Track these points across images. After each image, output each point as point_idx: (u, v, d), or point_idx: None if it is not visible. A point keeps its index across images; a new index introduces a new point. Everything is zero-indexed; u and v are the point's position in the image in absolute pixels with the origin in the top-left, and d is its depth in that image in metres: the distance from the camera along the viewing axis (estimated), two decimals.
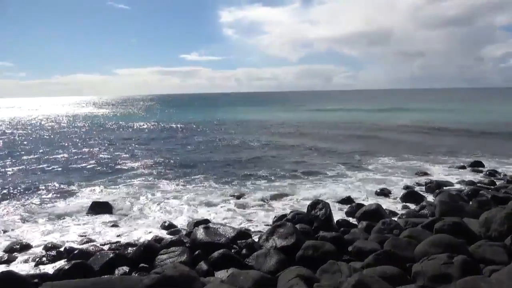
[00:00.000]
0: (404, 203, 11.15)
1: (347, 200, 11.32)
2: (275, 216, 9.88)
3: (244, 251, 7.19)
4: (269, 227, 8.26)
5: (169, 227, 9.42)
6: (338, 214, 10.10)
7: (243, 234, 8.16)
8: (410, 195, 11.55)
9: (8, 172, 16.97)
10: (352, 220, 9.57)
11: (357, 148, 21.74)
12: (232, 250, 7.21)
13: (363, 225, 8.48)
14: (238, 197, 12.05)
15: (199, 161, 18.76)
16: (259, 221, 9.97)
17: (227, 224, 9.07)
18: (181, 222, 10.01)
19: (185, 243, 7.54)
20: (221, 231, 7.89)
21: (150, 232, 9.13)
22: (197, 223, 8.93)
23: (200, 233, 7.53)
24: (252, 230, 9.06)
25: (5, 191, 13.47)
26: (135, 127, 39.13)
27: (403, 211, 10.27)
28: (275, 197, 11.99)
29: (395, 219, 8.98)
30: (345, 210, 10.51)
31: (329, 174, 15.29)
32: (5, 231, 9.39)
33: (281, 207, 11.09)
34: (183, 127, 37.71)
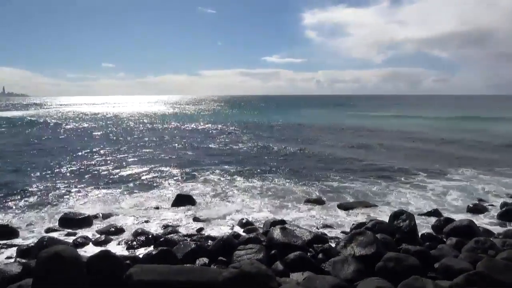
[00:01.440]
0: (501, 222, 10.02)
1: (433, 213, 10.51)
2: (353, 223, 9.56)
3: (320, 255, 7.08)
4: (347, 234, 8.05)
5: (246, 224, 9.65)
6: (423, 227, 9.43)
7: (320, 238, 8.05)
8: (510, 214, 10.33)
9: (105, 162, 18.90)
10: (439, 235, 8.85)
11: (440, 155, 20.14)
12: (308, 254, 7.16)
13: (453, 241, 7.79)
14: (315, 201, 11.89)
15: (278, 161, 18.99)
16: (336, 226, 9.75)
17: (303, 227, 9.01)
18: (257, 220, 10.22)
19: (262, 241, 7.67)
20: (298, 233, 7.87)
21: (228, 228, 9.50)
22: (274, 223, 9.03)
23: (276, 233, 7.60)
24: (329, 235, 8.88)
25: (102, 181, 15.05)
26: (217, 126, 40.84)
27: (501, 231, 9.23)
28: (353, 204, 11.59)
29: (491, 238, 8.10)
30: (431, 223, 9.76)
31: (411, 182, 14.38)
32: (104, 217, 10.45)
33: (359, 214, 10.70)
34: (264, 127, 38.41)
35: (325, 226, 9.70)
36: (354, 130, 35.41)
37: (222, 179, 15.17)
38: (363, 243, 6.96)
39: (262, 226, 9.59)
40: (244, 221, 9.80)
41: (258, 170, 16.77)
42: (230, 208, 11.37)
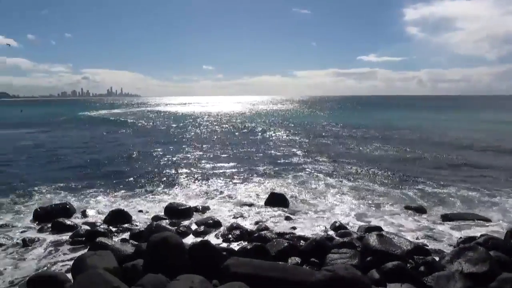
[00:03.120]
0: None
1: None
2: (460, 237, 8.67)
3: (422, 268, 6.56)
4: (454, 248, 7.32)
5: (340, 227, 9.40)
6: None
7: (421, 249, 7.47)
8: None
9: (203, 158, 20.13)
10: None
11: None
12: (408, 265, 6.68)
13: None
14: (415, 209, 11.06)
15: (374, 163, 18.17)
16: (440, 238, 8.93)
17: (402, 236, 8.45)
18: (350, 224, 9.90)
19: (356, 246, 7.40)
20: (396, 242, 7.40)
21: (321, 230, 9.38)
22: (369, 229, 8.66)
23: (373, 239, 7.24)
24: (431, 247, 8.18)
25: (201, 175, 16.06)
26: (309, 126, 40.59)
27: None
28: (461, 215, 10.48)
29: None
30: None
31: None
32: (203, 210, 11.14)
33: (467, 227, 9.64)
34: (358, 127, 37.02)
35: (427, 237, 8.97)
36: (463, 132, 32.06)
37: (314, 179, 15.05)
38: (473, 259, 6.26)
39: (356, 230, 9.26)
40: (337, 224, 9.57)
41: (352, 171, 16.27)
42: (323, 209, 11.22)
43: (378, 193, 13.04)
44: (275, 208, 11.19)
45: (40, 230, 9.49)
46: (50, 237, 9.06)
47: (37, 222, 10.13)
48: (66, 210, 10.63)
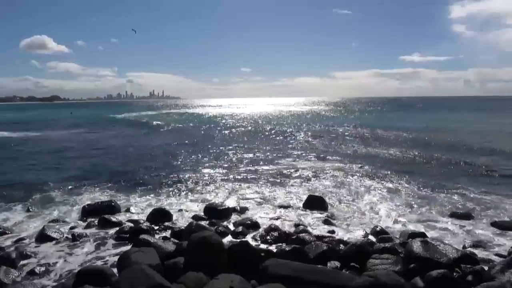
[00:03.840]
0: None
1: None
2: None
3: (469, 277, 6.24)
4: (505, 257, 6.91)
5: (381, 232, 9.13)
6: None
7: (468, 258, 7.08)
8: None
9: (241, 158, 20.30)
10: None
11: None
12: (454, 274, 6.38)
13: None
14: (462, 215, 10.52)
15: (417, 166, 17.59)
16: (489, 247, 8.45)
17: (448, 243, 8.08)
18: (391, 229, 9.60)
19: (399, 252, 7.17)
20: (442, 249, 7.08)
21: (361, 234, 9.16)
22: (413, 235, 8.36)
23: (417, 246, 6.99)
24: (480, 256, 7.75)
25: (238, 176, 16.22)
26: (348, 128, 39.80)
27: None
28: None
29: None
30: None
31: None
32: (241, 210, 11.24)
33: None
34: (400, 129, 35.81)
35: (475, 244, 8.51)
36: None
37: (352, 181, 14.76)
38: None
39: (398, 236, 8.97)
40: (378, 228, 9.31)
41: (393, 175, 15.77)
42: (362, 213, 10.98)
43: (419, 197, 12.56)
44: (314, 211, 11.07)
45: (88, 226, 9.98)
46: (97, 233, 9.51)
47: (84, 217, 10.69)
48: (112, 207, 11.12)
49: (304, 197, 12.19)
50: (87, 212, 10.88)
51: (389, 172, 16.34)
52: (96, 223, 10.05)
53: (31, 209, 11.59)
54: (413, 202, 11.94)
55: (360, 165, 18.01)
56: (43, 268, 7.45)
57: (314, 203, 11.51)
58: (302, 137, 31.89)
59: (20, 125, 52.56)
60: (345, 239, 8.62)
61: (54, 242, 8.83)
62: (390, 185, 14.08)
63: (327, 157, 21.16)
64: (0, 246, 8.58)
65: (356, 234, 9.19)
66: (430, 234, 9.01)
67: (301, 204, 11.73)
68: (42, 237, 8.94)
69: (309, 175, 16.25)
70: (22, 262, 7.71)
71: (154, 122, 54.34)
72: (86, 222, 10.23)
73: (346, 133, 34.56)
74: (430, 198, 12.38)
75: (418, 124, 43.20)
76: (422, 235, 8.48)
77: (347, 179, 15.19)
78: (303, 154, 22.30)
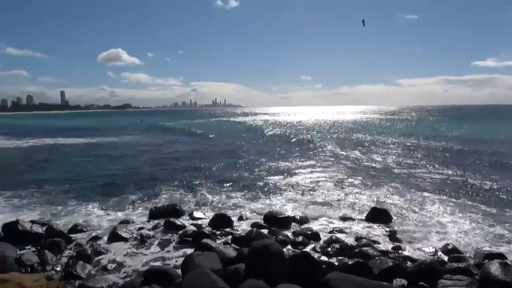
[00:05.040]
0: None
1: None
2: None
3: None
4: None
5: (452, 251, 8.48)
6: None
7: None
8: None
9: (297, 169, 20.11)
10: None
11: None
12: None
13: None
14: None
15: (483, 180, 16.08)
16: None
17: None
18: (464, 247, 8.87)
19: (474, 274, 6.59)
20: None
21: (430, 251, 8.56)
22: (490, 256, 7.65)
23: (495, 268, 6.38)
24: None
25: (296, 185, 16.06)
26: (411, 139, 37.73)
27: None
28: None
29: None
30: None
31: None
32: (301, 220, 11.09)
33: None
34: (466, 139, 33.21)
35: None
36: None
37: (419, 194, 13.90)
38: None
39: (472, 256, 8.26)
40: (449, 247, 8.65)
41: (461, 187, 14.65)
42: (430, 228, 10.26)
43: (494, 214, 11.46)
44: (377, 224, 10.60)
45: (154, 228, 10.50)
46: (162, 235, 9.97)
47: (151, 219, 11.26)
48: (176, 211, 11.60)
49: (366, 209, 11.76)
50: (153, 215, 11.46)
51: (457, 185, 15.20)
52: (162, 225, 10.52)
53: (104, 209, 12.50)
54: (486, 219, 10.92)
55: (426, 177, 16.97)
56: (114, 265, 7.98)
57: (378, 215, 11.02)
58: (360, 146, 30.83)
59: (97, 131, 57.40)
60: (412, 256, 8.13)
61: (124, 241, 9.40)
62: (457, 200, 13.05)
63: (387, 167, 20.23)
64: (78, 242, 9.37)
65: (424, 251, 8.62)
66: (510, 255, 8.17)
67: (363, 216, 11.31)
68: (114, 236, 9.57)
69: (369, 185, 15.66)
70: (96, 258, 8.32)
71: (219, 128, 56.00)
72: (153, 224, 10.76)
73: (408, 143, 32.76)
74: (507, 216, 11.26)
75: (494, 133, 39.68)
76: (501, 256, 7.72)
77: (411, 191, 14.39)
78: (361, 163, 21.56)
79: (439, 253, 8.51)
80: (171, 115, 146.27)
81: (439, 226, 10.49)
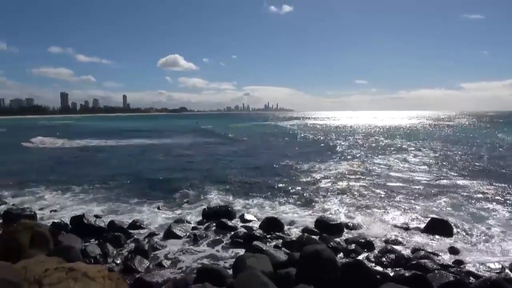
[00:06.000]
0: None
1: None
2: None
3: None
4: None
5: None
6: None
7: None
8: None
9: (350, 174, 19.56)
10: None
11: None
12: None
13: None
14: None
15: None
16: None
17: None
18: None
19: None
20: None
21: (495, 268, 7.91)
22: None
23: None
24: None
25: (352, 190, 15.63)
26: (480, 144, 35.15)
27: None
28: None
29: None
30: None
31: None
32: (353, 227, 10.79)
33: None
34: None
35: None
36: None
37: (485, 205, 12.92)
38: None
39: None
40: None
41: None
42: (497, 244, 9.48)
43: None
44: (436, 236, 10.00)
45: (207, 228, 10.77)
46: (214, 235, 10.20)
47: (205, 219, 11.57)
48: (228, 212, 11.82)
49: (423, 218, 11.21)
50: (207, 215, 11.77)
51: None
52: (214, 226, 10.77)
53: (161, 208, 13.05)
54: None
55: (485, 188, 15.68)
56: (169, 262, 8.30)
57: (437, 226, 10.40)
58: (414, 152, 29.29)
59: (155, 133, 60.42)
60: (475, 271, 7.56)
61: (178, 239, 9.76)
62: None
63: (445, 175, 19.02)
64: (136, 238, 9.88)
65: (489, 268, 7.97)
66: None
67: (420, 226, 10.74)
68: (169, 234, 9.97)
69: (426, 193, 14.85)
70: (152, 254, 8.71)
71: (273, 131, 56.33)
72: (206, 224, 11.04)
73: (469, 152, 30.56)
74: None
75: None
76: None
77: (472, 202, 13.40)
78: (415, 170, 20.46)
79: (507, 270, 7.84)
80: (224, 118, 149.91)
81: (506, 241, 9.67)
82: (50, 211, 12.74)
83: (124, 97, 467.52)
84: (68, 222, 10.63)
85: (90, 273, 5.29)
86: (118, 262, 8.23)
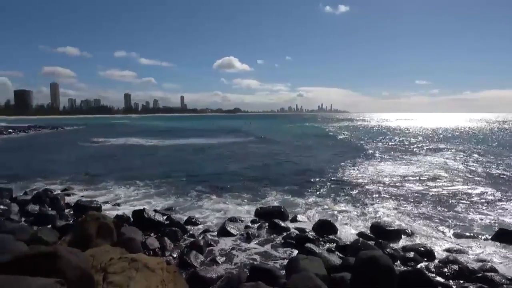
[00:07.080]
0: None
1: None
2: None
3: None
4: None
5: None
6: None
7: None
8: None
9: (406, 177, 18.63)
10: None
11: None
12: None
13: None
14: None
15: None
16: None
17: None
18: None
19: None
20: None
21: None
22: None
23: None
24: None
25: (409, 196, 14.90)
26: None
27: None
28: None
29: None
30: None
31: None
32: (411, 233, 10.30)
33: None
34: None
35: None
36: None
37: None
38: None
39: None
40: None
41: None
42: None
43: None
44: (505, 247, 9.23)
45: (259, 227, 10.87)
46: (267, 235, 10.27)
47: (257, 219, 11.68)
48: (281, 213, 11.82)
49: (488, 228, 10.42)
50: (260, 214, 11.87)
51: None
52: (267, 226, 10.84)
53: (215, 205, 13.42)
54: None
55: None
56: (222, 258, 8.50)
57: (506, 237, 9.59)
58: (474, 156, 27.16)
59: (211, 133, 62.37)
60: None
61: (231, 236, 9.95)
62: None
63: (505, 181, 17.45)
64: (192, 233, 10.24)
65: None
66: None
67: (486, 236, 9.98)
68: (223, 231, 10.20)
69: (491, 200, 13.77)
70: (207, 250, 8.98)
71: (326, 133, 55.58)
72: (259, 224, 11.15)
73: None
74: None
75: None
76: None
77: None
78: (479, 175, 18.96)
79: None
80: (277, 119, 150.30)
81: None
82: (113, 205, 13.62)
83: (182, 98, 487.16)
84: (130, 216, 11.28)
85: (150, 265, 5.57)
86: (174, 255, 8.58)
